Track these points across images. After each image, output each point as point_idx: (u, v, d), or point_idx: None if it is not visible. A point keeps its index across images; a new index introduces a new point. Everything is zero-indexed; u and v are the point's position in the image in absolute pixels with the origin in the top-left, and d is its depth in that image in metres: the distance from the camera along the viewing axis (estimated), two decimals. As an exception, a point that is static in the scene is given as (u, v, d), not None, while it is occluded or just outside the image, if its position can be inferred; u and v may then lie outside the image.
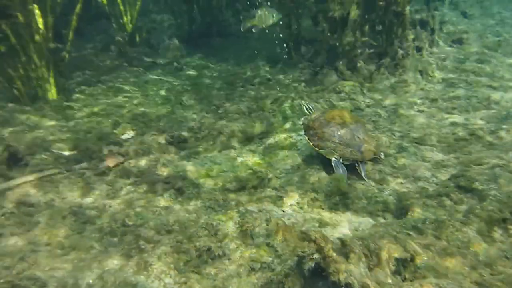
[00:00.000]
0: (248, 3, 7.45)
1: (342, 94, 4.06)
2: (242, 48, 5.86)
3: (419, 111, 3.65)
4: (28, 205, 2.46)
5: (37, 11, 3.48)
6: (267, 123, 3.67)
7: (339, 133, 2.86)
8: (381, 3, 4.17)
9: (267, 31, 5.90)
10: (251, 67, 5.07)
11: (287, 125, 3.69)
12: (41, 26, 3.53)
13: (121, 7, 5.47)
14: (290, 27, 4.53)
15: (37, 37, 3.51)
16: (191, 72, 5.23)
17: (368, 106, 3.86)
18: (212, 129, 3.60)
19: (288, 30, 4.54)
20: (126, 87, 4.57)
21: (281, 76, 4.57)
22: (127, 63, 5.18)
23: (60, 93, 3.88)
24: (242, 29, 4.00)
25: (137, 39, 5.72)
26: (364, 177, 2.75)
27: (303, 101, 3.64)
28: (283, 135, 3.51)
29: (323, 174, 2.86)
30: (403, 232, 1.85)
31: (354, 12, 3.89)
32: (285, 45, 4.68)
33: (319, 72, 4.33)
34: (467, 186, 2.17)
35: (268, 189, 2.76)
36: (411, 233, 1.86)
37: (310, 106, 3.38)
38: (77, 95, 4.13)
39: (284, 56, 4.86)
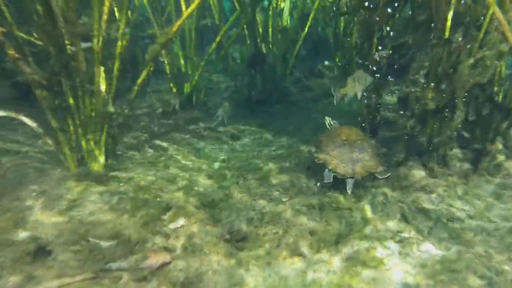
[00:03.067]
0: (310, 71, 7.17)
1: (434, 196, 3.34)
2: (304, 120, 5.38)
3: (545, 235, 2.84)
4: (46, 327, 1.88)
5: (102, 74, 3.18)
6: (344, 224, 3.00)
7: (338, 148, 3.20)
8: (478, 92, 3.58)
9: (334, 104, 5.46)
10: (316, 145, 4.52)
11: (368, 230, 2.99)
12: (103, 89, 3.22)
13: (183, 68, 5.27)
14: (369, 105, 3.99)
15: (97, 101, 3.18)
16: (248, 142, 4.75)
17: (470, 217, 3.10)
18: (276, 223, 2.98)
19: (365, 108, 3.99)
20: (178, 156, 4.12)
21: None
22: (181, 127, 4.82)
23: (108, 159, 3.47)
24: (335, 103, 3.50)
25: (194, 101, 5.43)
26: (348, 191, 3.18)
27: (326, 117, 3.87)
28: (364, 244, 2.81)
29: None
30: None
31: (459, 115, 3.29)
32: (360, 124, 4.11)
33: (401, 164, 3.68)
34: None
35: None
36: None
37: (332, 123, 3.68)
38: (126, 163, 3.71)
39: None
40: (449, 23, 3.27)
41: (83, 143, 3.24)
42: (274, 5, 5.52)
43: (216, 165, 4.04)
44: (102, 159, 3.39)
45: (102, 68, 3.24)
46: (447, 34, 3.23)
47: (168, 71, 5.29)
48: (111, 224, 2.73)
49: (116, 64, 3.36)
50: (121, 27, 3.37)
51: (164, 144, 4.31)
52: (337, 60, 6.88)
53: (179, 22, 3.24)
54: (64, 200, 2.90)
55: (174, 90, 5.32)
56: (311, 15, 5.69)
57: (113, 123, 3.43)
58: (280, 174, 3.79)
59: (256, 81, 5.77)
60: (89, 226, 2.66)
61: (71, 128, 3.23)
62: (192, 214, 2.98)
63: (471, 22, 3.18)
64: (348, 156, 3.13)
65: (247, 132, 5.03)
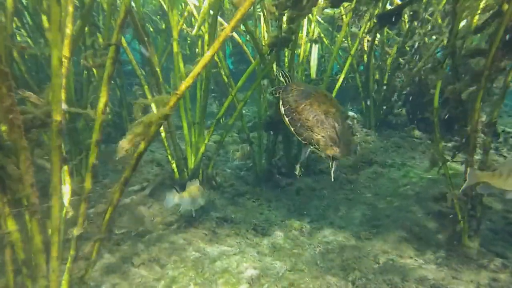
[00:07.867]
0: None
1: None
2: (344, 198, 4.08)
3: None
4: None
5: (66, 177, 1.93)
6: None
7: (323, 124, 2.67)
8: None
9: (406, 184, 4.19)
10: (382, 246, 3.18)
11: None
12: (67, 201, 1.95)
13: (186, 137, 4.04)
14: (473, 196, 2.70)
15: (53, 223, 1.89)
16: (279, 239, 3.41)
17: None
18: None
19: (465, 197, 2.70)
20: (183, 278, 2.75)
21: (457, 286, 2.59)
22: (184, 222, 3.49)
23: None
24: (483, 192, 2.24)
25: (201, 177, 4.15)
26: (332, 174, 2.64)
27: (275, 67, 3.37)
28: None
29: None
30: None
31: None
32: (453, 219, 2.81)
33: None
34: None
35: None
36: None
37: (287, 74, 3.17)
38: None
39: (448, 238, 2.96)
40: None
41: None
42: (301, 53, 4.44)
43: (241, 293, 2.66)
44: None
45: (64, 168, 1.99)
46: None
47: (165, 143, 4.04)
48: None
49: (92, 157, 2.10)
50: (101, 103, 2.16)
51: (161, 257, 2.95)
52: (369, 112, 5.73)
53: (174, 99, 2.02)
54: None
55: (174, 166, 4.05)
56: (345, 67, 4.60)
57: (80, 251, 2.10)
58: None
59: (277, 147, 4.54)
60: None
61: (8, 268, 1.91)
62: None
63: None
64: (333, 133, 2.64)
65: (275, 224, 3.68)
